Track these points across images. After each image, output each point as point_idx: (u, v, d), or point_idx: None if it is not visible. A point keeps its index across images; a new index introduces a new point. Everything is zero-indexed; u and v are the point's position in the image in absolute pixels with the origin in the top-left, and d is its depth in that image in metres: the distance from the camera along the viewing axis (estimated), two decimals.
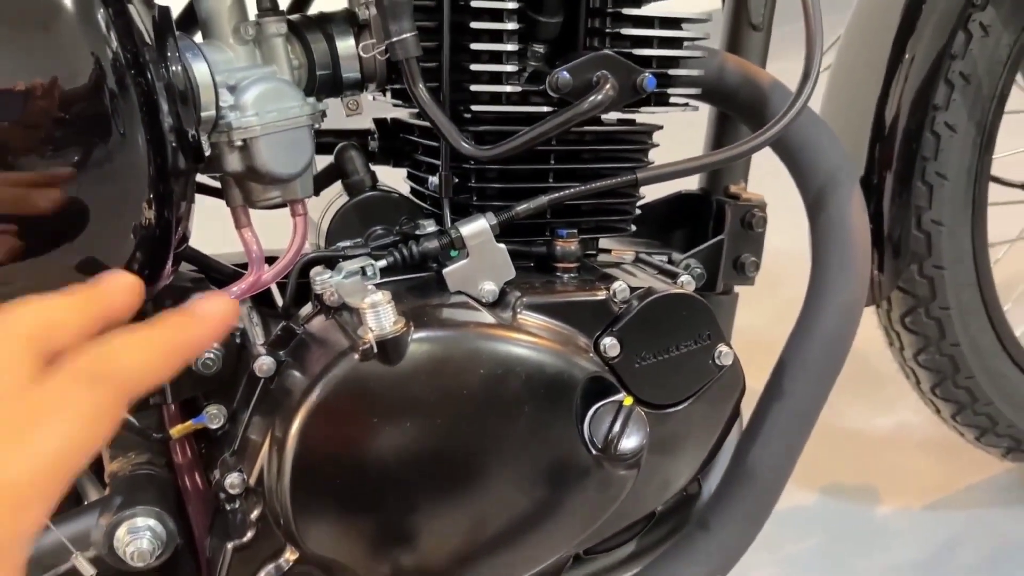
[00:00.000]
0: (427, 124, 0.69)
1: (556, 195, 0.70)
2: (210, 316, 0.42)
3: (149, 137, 0.58)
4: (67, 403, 0.36)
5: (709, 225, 0.90)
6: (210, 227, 0.81)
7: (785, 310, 1.06)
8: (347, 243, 0.72)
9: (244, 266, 0.78)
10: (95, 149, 0.57)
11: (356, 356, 0.59)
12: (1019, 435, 1.17)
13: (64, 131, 0.56)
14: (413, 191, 0.82)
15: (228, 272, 0.78)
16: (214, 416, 0.70)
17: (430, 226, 0.73)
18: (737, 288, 0.90)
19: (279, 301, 0.77)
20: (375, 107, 0.81)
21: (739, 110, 0.83)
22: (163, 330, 0.40)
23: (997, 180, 1.25)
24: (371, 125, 0.84)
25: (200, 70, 0.63)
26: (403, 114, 0.81)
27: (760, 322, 1.13)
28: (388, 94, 0.78)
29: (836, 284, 0.76)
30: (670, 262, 0.83)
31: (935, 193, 1.01)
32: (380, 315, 0.59)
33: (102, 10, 0.56)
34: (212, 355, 0.69)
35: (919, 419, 1.28)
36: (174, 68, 0.61)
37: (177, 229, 0.63)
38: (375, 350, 0.59)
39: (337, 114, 0.75)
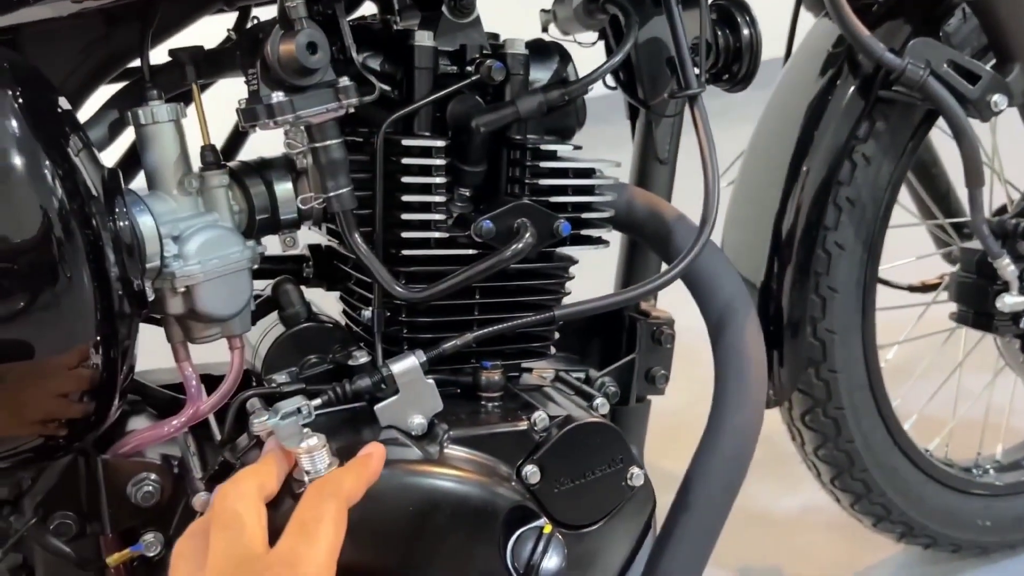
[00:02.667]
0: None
1: (481, 332, 0.76)
2: (379, 456, 0.64)
3: (96, 285, 0.61)
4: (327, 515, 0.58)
5: (622, 339, 0.96)
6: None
7: (702, 391, 1.13)
8: (283, 376, 0.76)
9: (174, 387, 0.81)
10: (43, 297, 0.60)
11: (291, 500, 0.62)
12: (911, 522, 1.26)
13: (13, 280, 0.59)
14: (345, 313, 0.87)
15: (165, 399, 0.81)
16: (151, 544, 0.73)
17: (362, 356, 0.77)
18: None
19: (213, 424, 0.81)
20: (310, 232, 0.85)
21: (647, 239, 0.91)
22: (359, 465, 0.63)
23: (885, 283, 1.36)
24: (306, 251, 0.88)
25: (146, 223, 0.67)
26: (335, 243, 0.86)
27: (679, 403, 1.20)
28: (323, 228, 0.83)
29: (734, 407, 0.83)
30: (587, 380, 0.89)
31: (828, 305, 1.10)
32: (315, 459, 0.63)
33: (49, 166, 0.60)
34: (151, 488, 0.72)
35: (824, 500, 1.35)
36: (122, 223, 0.65)
37: (123, 367, 0.66)
38: None
39: (273, 242, 0.80)
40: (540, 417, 0.74)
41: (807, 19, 1.20)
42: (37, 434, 0.64)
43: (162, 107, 0.69)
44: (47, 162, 0.59)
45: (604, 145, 0.94)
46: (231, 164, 0.75)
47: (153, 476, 0.72)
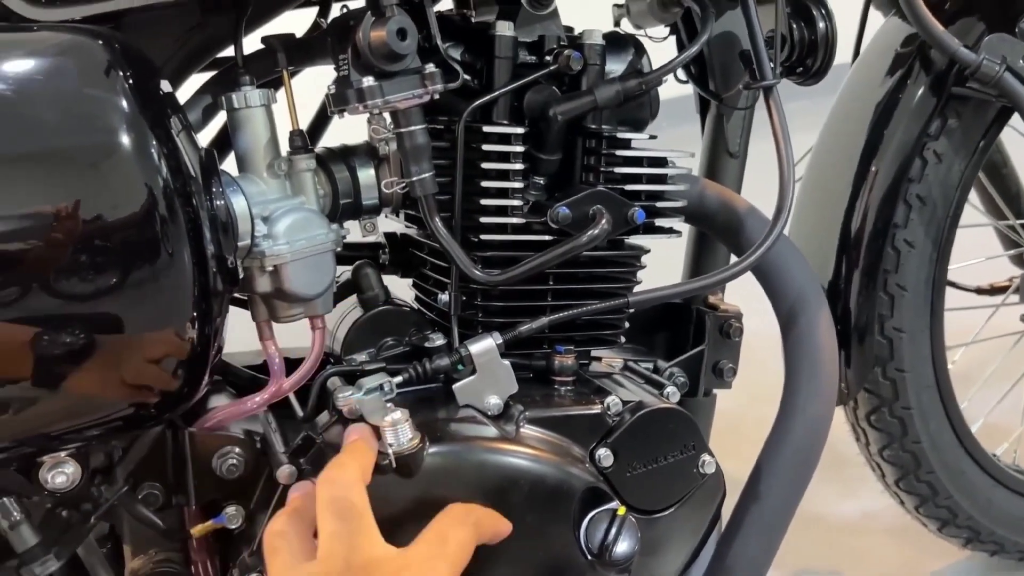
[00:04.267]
0: (437, 246, 0.76)
1: (556, 316, 0.77)
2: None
3: (195, 262, 0.63)
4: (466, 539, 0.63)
5: (690, 332, 0.97)
6: None
7: (759, 392, 1.12)
8: (362, 356, 0.78)
9: (256, 367, 0.84)
10: (146, 270, 0.62)
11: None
12: (978, 527, 1.24)
13: (118, 254, 0.61)
14: (418, 299, 0.88)
15: (245, 378, 0.83)
16: (233, 516, 0.75)
17: (438, 339, 0.78)
18: None
19: (294, 402, 0.83)
20: (386, 221, 0.88)
21: (717, 232, 0.91)
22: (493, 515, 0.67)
23: (953, 285, 1.34)
24: (382, 238, 0.90)
25: (239, 203, 0.70)
26: (412, 230, 0.88)
27: (735, 405, 1.20)
28: (400, 215, 0.85)
29: (805, 399, 0.83)
30: (655, 371, 0.90)
31: (896, 303, 1.09)
32: (399, 432, 0.65)
33: (155, 145, 0.62)
34: (236, 461, 0.74)
35: (884, 504, 1.34)
36: (218, 202, 0.67)
37: (214, 343, 0.68)
38: (393, 464, 0.65)
39: (352, 229, 0.82)
40: (613, 401, 0.75)
41: (875, 20, 1.19)
42: (132, 403, 0.66)
43: (255, 92, 0.72)
44: (153, 141, 0.61)
45: None
46: (317, 150, 0.78)
47: (237, 450, 0.75)
